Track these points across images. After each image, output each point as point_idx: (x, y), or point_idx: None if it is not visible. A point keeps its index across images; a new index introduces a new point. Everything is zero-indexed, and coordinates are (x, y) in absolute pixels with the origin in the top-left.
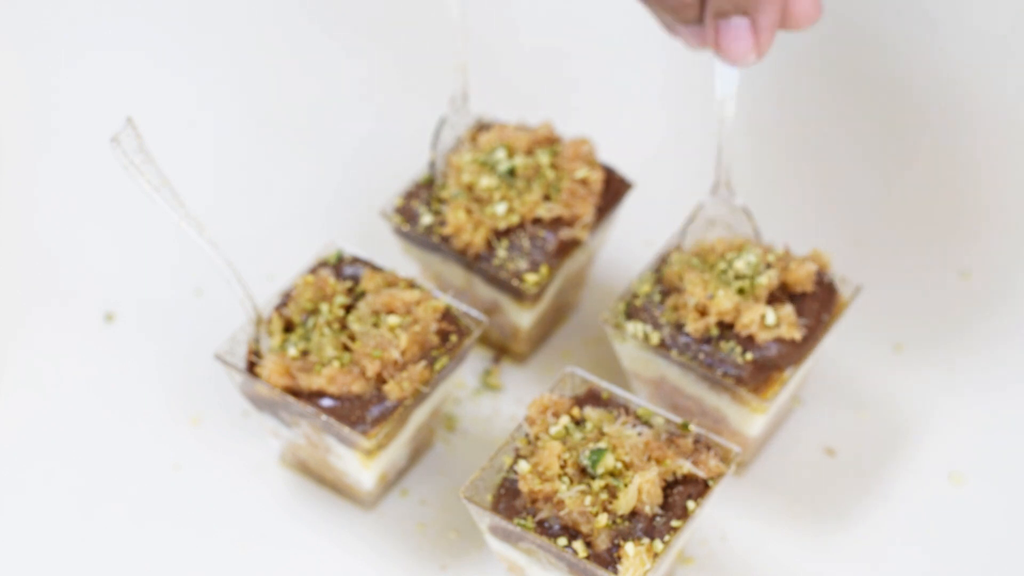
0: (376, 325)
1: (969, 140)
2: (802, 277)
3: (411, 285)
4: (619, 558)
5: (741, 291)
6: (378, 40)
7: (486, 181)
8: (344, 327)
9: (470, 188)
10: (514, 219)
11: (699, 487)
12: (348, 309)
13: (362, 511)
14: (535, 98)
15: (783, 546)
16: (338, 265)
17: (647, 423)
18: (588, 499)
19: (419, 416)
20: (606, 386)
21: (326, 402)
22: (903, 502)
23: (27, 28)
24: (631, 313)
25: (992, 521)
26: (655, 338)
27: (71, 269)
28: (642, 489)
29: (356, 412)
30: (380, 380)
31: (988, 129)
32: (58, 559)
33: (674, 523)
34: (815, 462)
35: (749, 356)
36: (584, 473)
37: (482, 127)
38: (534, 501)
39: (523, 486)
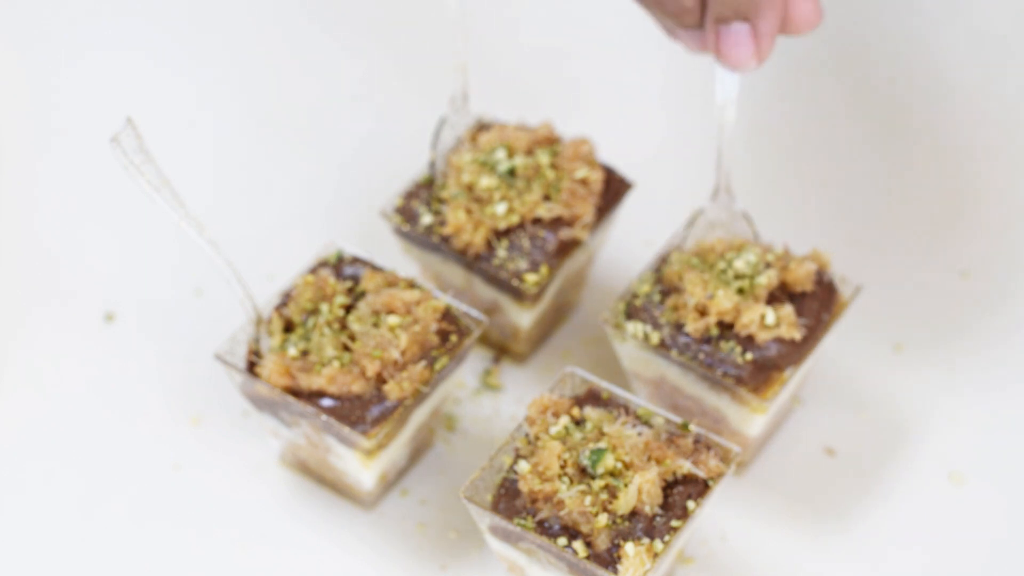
0: (376, 325)
1: (969, 140)
2: (802, 277)
3: (411, 285)
4: (619, 558)
5: (741, 291)
6: (378, 40)
7: (486, 181)
8: (344, 327)
9: (470, 188)
10: (514, 219)
11: (699, 487)
12: (348, 309)
13: (362, 511)
14: (535, 98)
15: (783, 546)
16: (338, 265)
17: (647, 423)
18: (588, 499)
19: (419, 416)
20: (606, 386)
21: (326, 402)
22: (903, 502)
23: (27, 28)
24: (631, 313)
25: (992, 521)
26: (655, 338)
27: (71, 269)
28: (642, 489)
29: (356, 412)
30: (380, 380)
31: (988, 129)
32: (58, 559)
33: (674, 523)
34: (815, 462)
35: (749, 356)
36: (584, 473)
37: (482, 127)
38: (534, 501)
39: (523, 486)
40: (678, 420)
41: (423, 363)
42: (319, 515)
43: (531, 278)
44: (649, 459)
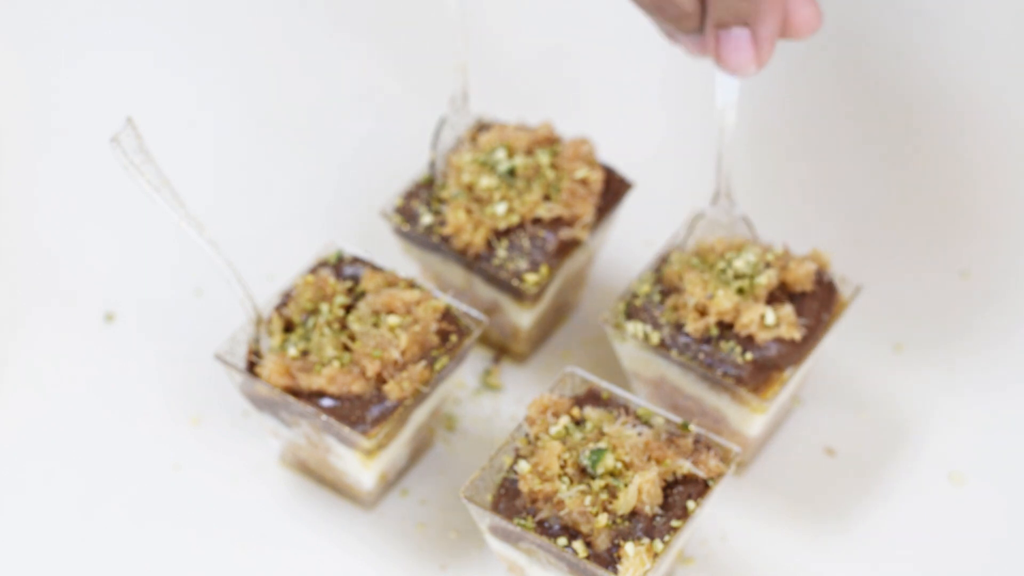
0: (376, 325)
1: (969, 140)
2: (801, 276)
3: (411, 285)
4: (619, 558)
5: (741, 291)
6: (378, 40)
7: (486, 181)
8: (344, 327)
9: (470, 188)
10: (514, 219)
11: (699, 487)
12: (348, 309)
13: (362, 511)
14: (535, 98)
15: (783, 546)
16: (338, 265)
17: (647, 423)
18: (588, 499)
19: (419, 416)
20: (606, 386)
21: (326, 402)
22: (903, 502)
23: (27, 28)
24: (631, 313)
25: (992, 521)
26: (655, 338)
27: (71, 269)
28: (642, 489)
29: (356, 412)
30: (380, 380)
31: (988, 129)
32: (58, 559)
33: (674, 523)
34: (815, 462)
35: (749, 356)
36: (584, 473)
37: (482, 127)
38: (534, 501)
39: (523, 486)
40: (678, 420)
41: (423, 363)
42: (319, 515)
43: (531, 278)
44: (649, 459)
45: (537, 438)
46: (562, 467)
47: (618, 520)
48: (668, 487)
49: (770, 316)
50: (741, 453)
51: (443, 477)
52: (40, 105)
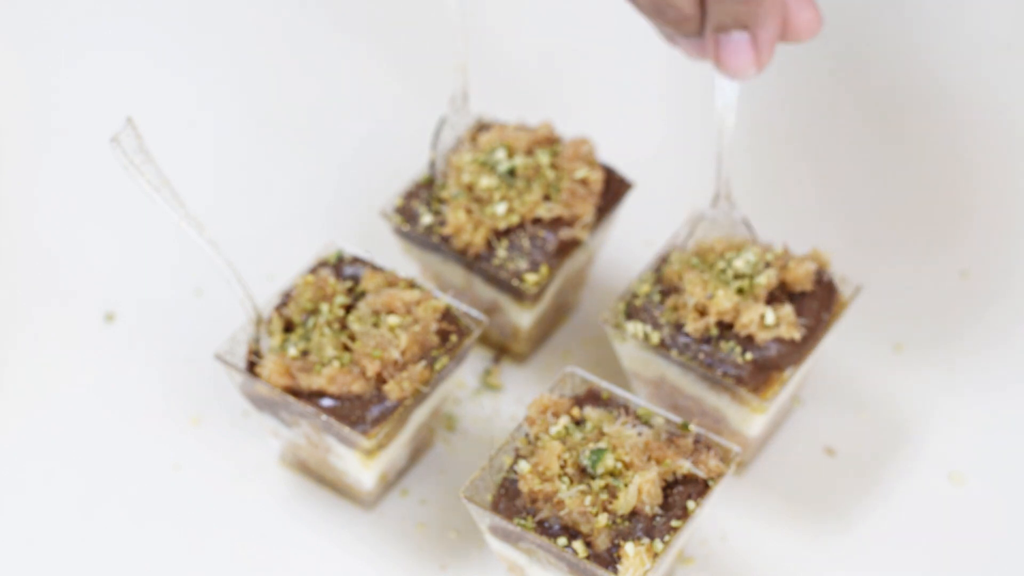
0: (376, 325)
1: (969, 140)
2: (801, 276)
3: (411, 285)
4: (619, 558)
5: (740, 291)
6: (378, 40)
7: (486, 181)
8: (344, 327)
9: (470, 188)
10: (514, 219)
11: (699, 487)
12: (348, 309)
13: (362, 511)
14: (535, 98)
15: (783, 546)
16: (338, 265)
17: (647, 423)
18: (588, 499)
19: (419, 416)
20: (606, 386)
21: (326, 402)
22: (903, 502)
23: (27, 28)
24: (631, 313)
25: (992, 521)
26: (655, 338)
27: (71, 269)
28: (642, 489)
29: (356, 412)
30: (380, 380)
31: (988, 129)
32: (58, 559)
33: (674, 523)
34: (815, 462)
35: (749, 356)
36: (584, 473)
37: (482, 127)
38: (534, 501)
39: (523, 486)
40: (678, 420)
41: (423, 363)
42: (319, 515)
43: (531, 278)
44: (649, 459)
45: (537, 438)
46: (562, 467)
47: (618, 520)
48: (668, 487)
49: (770, 316)
50: (741, 453)
51: (443, 477)
52: (40, 105)
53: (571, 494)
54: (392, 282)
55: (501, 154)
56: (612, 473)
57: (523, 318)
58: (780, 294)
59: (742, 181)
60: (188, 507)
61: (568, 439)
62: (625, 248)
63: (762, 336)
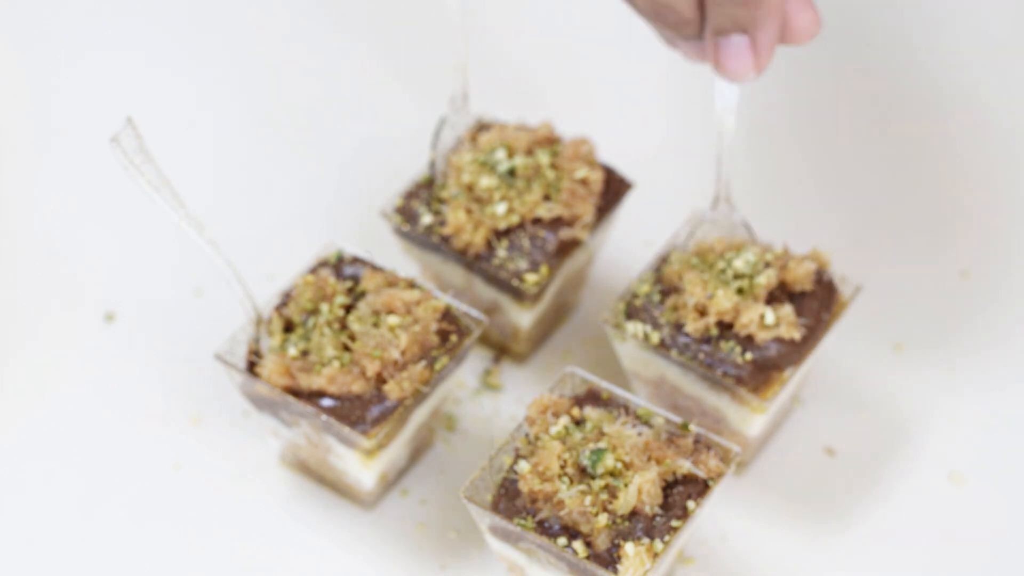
0: (376, 325)
1: (969, 140)
2: (801, 276)
3: (411, 285)
4: (619, 558)
5: (740, 291)
6: (378, 40)
7: (486, 181)
8: (344, 327)
9: (470, 188)
10: (514, 219)
11: (699, 487)
12: (348, 309)
13: (362, 511)
14: (535, 98)
15: (783, 546)
16: (338, 265)
17: (647, 423)
18: (588, 499)
19: (419, 416)
20: (606, 386)
21: (326, 402)
22: (903, 502)
23: (27, 28)
24: (631, 313)
25: (992, 521)
26: (655, 338)
27: (71, 269)
28: (642, 489)
29: (356, 412)
30: (380, 380)
31: (988, 129)
32: (58, 559)
33: (674, 523)
34: (815, 462)
35: (749, 356)
36: (584, 473)
37: (482, 127)
38: (534, 501)
39: (523, 486)
40: (678, 420)
41: (423, 363)
42: (319, 515)
43: (531, 278)
44: (649, 459)
45: (537, 438)
46: (562, 467)
47: (618, 520)
48: (668, 487)
49: (770, 316)
50: (741, 453)
51: (443, 477)
52: (40, 105)
53: (571, 494)
54: (392, 282)
55: (501, 154)
56: (612, 473)
57: (523, 318)
58: (780, 294)
59: (742, 181)
60: (188, 507)
61: (568, 439)
62: (625, 248)
63: (762, 336)
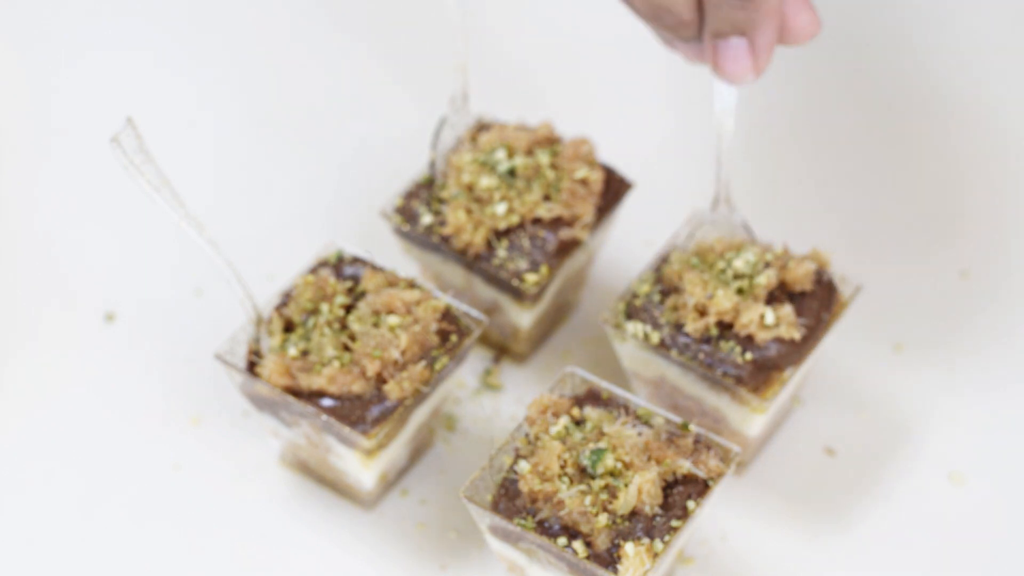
0: (376, 325)
1: (969, 141)
2: (801, 276)
3: (411, 285)
4: (619, 558)
5: (740, 291)
6: (378, 40)
7: (486, 181)
8: (344, 327)
9: (470, 188)
10: (514, 219)
11: (699, 487)
12: (348, 309)
13: (362, 511)
14: (535, 98)
15: (783, 546)
16: (338, 265)
17: (647, 423)
18: (588, 499)
19: (419, 416)
20: (606, 386)
21: (326, 402)
22: (903, 502)
23: (27, 28)
24: (631, 313)
25: (992, 521)
26: (655, 338)
27: (71, 269)
28: (642, 489)
29: (356, 412)
30: (380, 380)
31: (988, 130)
32: (58, 559)
33: (674, 523)
34: (815, 462)
35: (749, 356)
36: (584, 473)
37: (482, 127)
38: (534, 501)
39: (523, 486)
40: (678, 420)
41: (423, 363)
42: (319, 515)
43: (531, 278)
44: (649, 459)
45: (537, 438)
46: (562, 467)
47: (618, 520)
48: (668, 487)
49: (770, 316)
50: (741, 453)
51: (443, 477)
52: (40, 105)
53: (571, 494)
54: (392, 282)
55: (501, 154)
56: (612, 473)
57: (523, 318)
58: (780, 294)
59: (742, 181)
60: (188, 507)
61: (568, 439)
62: (625, 248)
63: (762, 336)
